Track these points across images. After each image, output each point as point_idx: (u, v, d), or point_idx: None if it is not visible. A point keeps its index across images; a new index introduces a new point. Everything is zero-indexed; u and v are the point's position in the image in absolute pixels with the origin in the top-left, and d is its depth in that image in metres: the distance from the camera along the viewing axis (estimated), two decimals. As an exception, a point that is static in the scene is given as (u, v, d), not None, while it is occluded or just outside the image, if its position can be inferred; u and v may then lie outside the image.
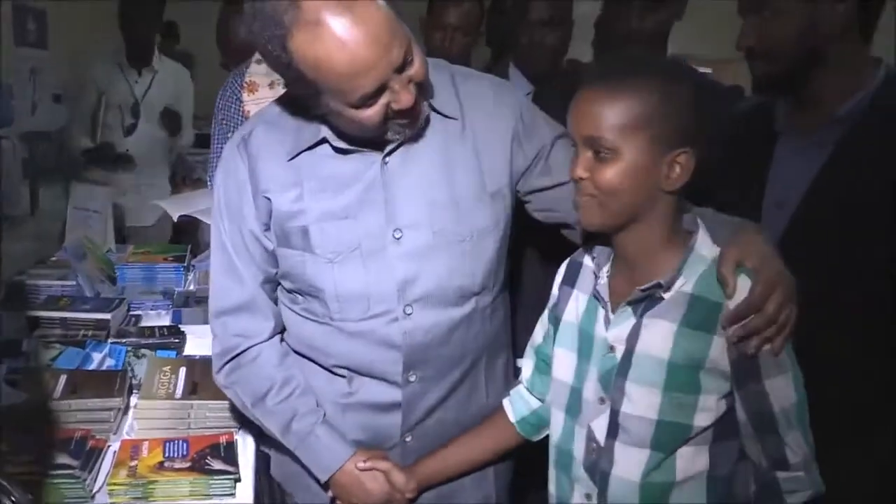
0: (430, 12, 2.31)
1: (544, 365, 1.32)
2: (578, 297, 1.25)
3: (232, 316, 1.35)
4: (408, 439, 1.36)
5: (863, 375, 1.26)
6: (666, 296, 1.12)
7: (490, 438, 1.38)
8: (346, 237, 1.26)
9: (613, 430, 1.15)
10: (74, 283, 2.21)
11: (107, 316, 1.96)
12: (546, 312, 1.33)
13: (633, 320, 1.14)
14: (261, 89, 1.95)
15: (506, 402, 1.38)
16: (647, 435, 1.13)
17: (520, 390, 1.38)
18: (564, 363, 1.24)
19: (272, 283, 1.36)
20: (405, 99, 1.14)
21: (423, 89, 1.20)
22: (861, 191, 1.26)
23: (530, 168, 1.35)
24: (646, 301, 1.13)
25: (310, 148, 1.27)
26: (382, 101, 1.14)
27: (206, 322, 1.98)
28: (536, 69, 2.08)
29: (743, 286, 1.07)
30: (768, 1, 1.25)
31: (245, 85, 1.96)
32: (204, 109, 8.29)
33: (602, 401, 1.17)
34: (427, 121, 1.26)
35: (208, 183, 2.10)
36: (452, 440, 1.36)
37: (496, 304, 1.38)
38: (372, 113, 1.15)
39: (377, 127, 1.18)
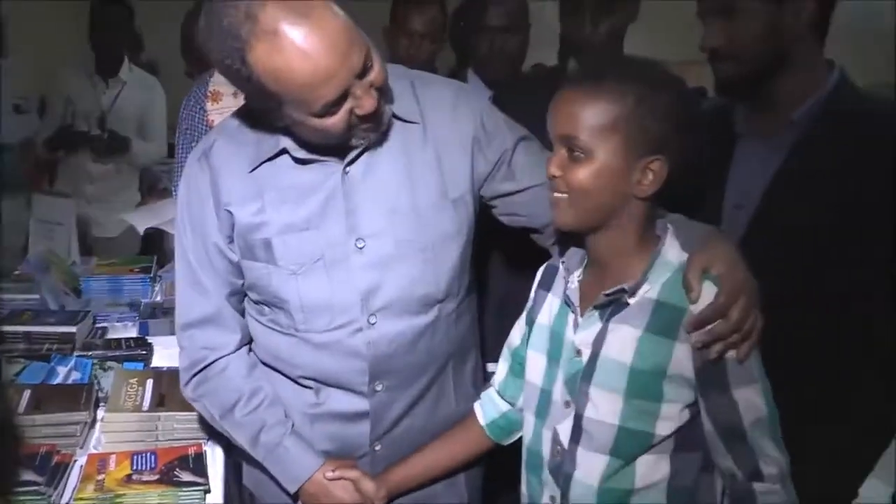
0: (394, 20, 2.32)
1: (519, 367, 1.32)
2: (552, 301, 1.25)
3: (198, 329, 1.35)
4: (377, 448, 1.36)
5: (821, 372, 1.29)
6: (631, 301, 1.12)
7: (460, 443, 1.38)
8: (308, 248, 1.26)
9: (577, 434, 1.16)
10: (38, 296, 2.18)
11: (72, 329, 1.93)
12: (524, 315, 1.34)
13: (599, 325, 1.15)
14: (225, 98, 1.94)
15: (476, 406, 1.38)
16: (608, 441, 1.13)
17: (490, 393, 1.38)
18: (536, 366, 1.25)
19: (238, 295, 1.36)
20: (368, 104, 1.15)
21: (384, 94, 1.21)
22: (816, 192, 1.28)
23: (492, 173, 1.35)
24: (612, 306, 1.14)
25: (270, 159, 1.26)
26: (345, 107, 1.14)
27: (173, 333, 1.97)
28: (495, 75, 2.10)
29: (708, 292, 1.08)
30: (734, 3, 1.28)
31: (209, 94, 1.95)
32: (169, 119, 8.28)
33: (567, 404, 1.18)
34: (389, 126, 1.26)
35: (173, 192, 2.08)
36: (422, 446, 1.36)
37: (461, 310, 1.38)
38: (336, 120, 1.15)
39: (341, 134, 1.18)
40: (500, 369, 1.37)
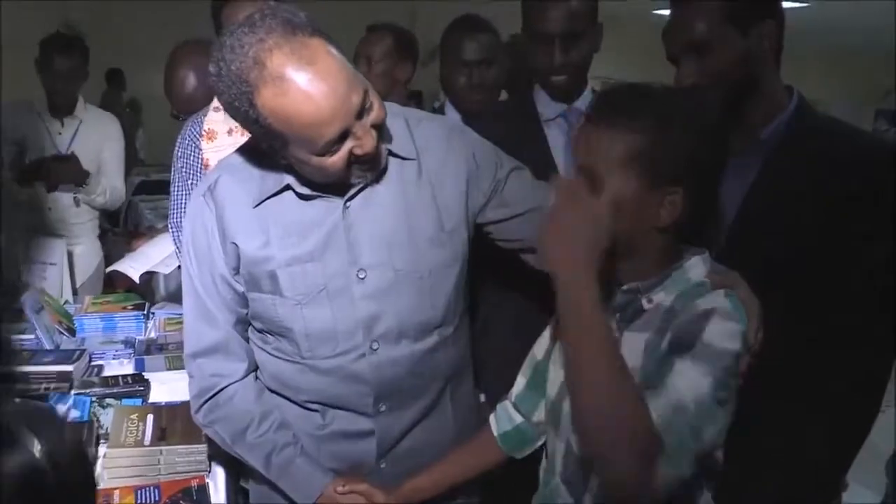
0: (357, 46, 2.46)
1: (538, 380, 1.35)
2: None
3: (207, 357, 1.39)
4: (383, 465, 1.41)
5: (796, 383, 1.34)
6: (647, 307, 1.15)
7: (472, 455, 1.42)
8: (312, 280, 1.31)
9: None
10: (33, 336, 2.19)
11: (69, 367, 1.94)
12: (547, 329, 1.36)
13: (615, 332, 1.17)
14: (220, 136, 1.98)
15: (491, 418, 1.42)
16: None
17: (505, 405, 1.41)
18: (554, 379, 1.28)
19: (244, 324, 1.40)
20: (368, 143, 1.21)
21: (382, 133, 1.26)
22: (787, 205, 1.36)
23: (487, 203, 1.42)
24: (629, 312, 1.16)
25: (274, 195, 1.32)
26: (346, 147, 1.20)
27: (169, 369, 2.02)
28: (472, 108, 2.17)
29: (722, 303, 1.09)
30: (705, 41, 1.35)
31: (204, 133, 1.98)
32: (153, 156, 8.27)
33: None
34: (386, 163, 1.32)
35: (170, 229, 2.11)
36: (436, 462, 1.40)
37: (458, 334, 1.44)
38: (336, 159, 1.21)
39: (341, 172, 1.24)
40: (518, 382, 1.40)
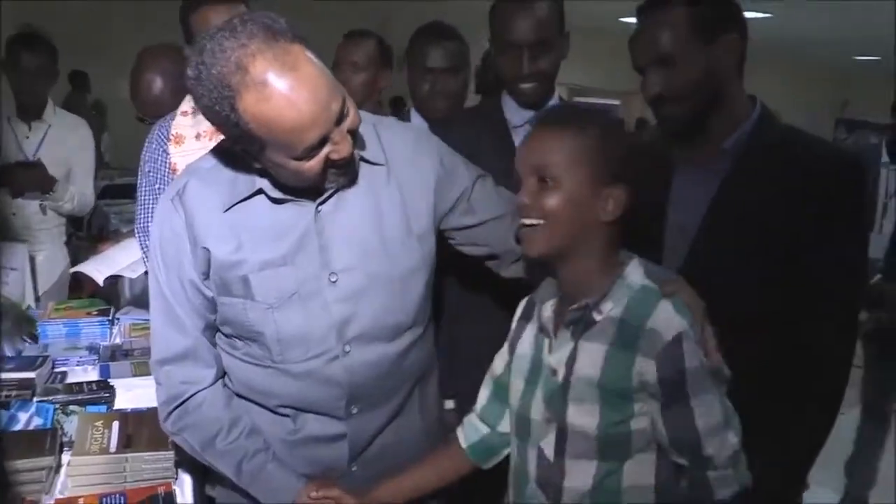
0: (338, 52, 2.45)
1: (503, 393, 1.40)
2: (531, 330, 1.35)
3: (175, 364, 1.38)
4: (354, 468, 1.42)
5: (760, 387, 1.37)
6: (598, 318, 1.22)
7: (442, 465, 1.45)
8: (284, 284, 1.32)
9: (561, 445, 1.25)
10: (-7, 343, 2.15)
11: (31, 374, 1.91)
12: (506, 345, 1.42)
13: (571, 344, 1.24)
14: (187, 141, 1.97)
15: (458, 431, 1.46)
16: (592, 449, 1.22)
17: (471, 418, 1.45)
18: (516, 391, 1.34)
19: (212, 329, 1.40)
20: (344, 149, 1.23)
21: (355, 138, 1.28)
22: (750, 213, 1.40)
23: (453, 209, 1.44)
24: (581, 324, 1.23)
25: (245, 199, 1.32)
26: (323, 152, 1.22)
27: (135, 375, 1.99)
28: (437, 115, 2.18)
29: (667, 311, 1.19)
30: (671, 53, 1.38)
31: (171, 137, 1.97)
32: (118, 160, 8.17)
33: (548, 420, 1.26)
34: (357, 169, 1.34)
35: (136, 234, 2.09)
36: (406, 469, 1.42)
37: (426, 336, 1.48)
38: (313, 164, 1.22)
39: (317, 177, 1.25)
40: (480, 396, 1.45)
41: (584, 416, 1.22)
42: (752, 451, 1.24)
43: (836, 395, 1.43)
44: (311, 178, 1.25)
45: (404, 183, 1.39)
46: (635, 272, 1.25)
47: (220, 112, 1.18)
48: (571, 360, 1.24)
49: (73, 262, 3.27)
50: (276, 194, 1.31)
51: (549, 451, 1.26)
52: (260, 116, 1.17)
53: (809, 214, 1.36)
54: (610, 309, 1.22)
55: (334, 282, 1.33)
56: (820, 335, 1.40)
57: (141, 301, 2.56)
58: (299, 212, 1.33)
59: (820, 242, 1.37)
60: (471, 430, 1.44)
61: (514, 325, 1.40)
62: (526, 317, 1.38)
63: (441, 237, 1.47)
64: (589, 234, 1.23)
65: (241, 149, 1.26)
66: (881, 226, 3.07)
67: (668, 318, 1.18)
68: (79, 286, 2.86)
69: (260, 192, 1.31)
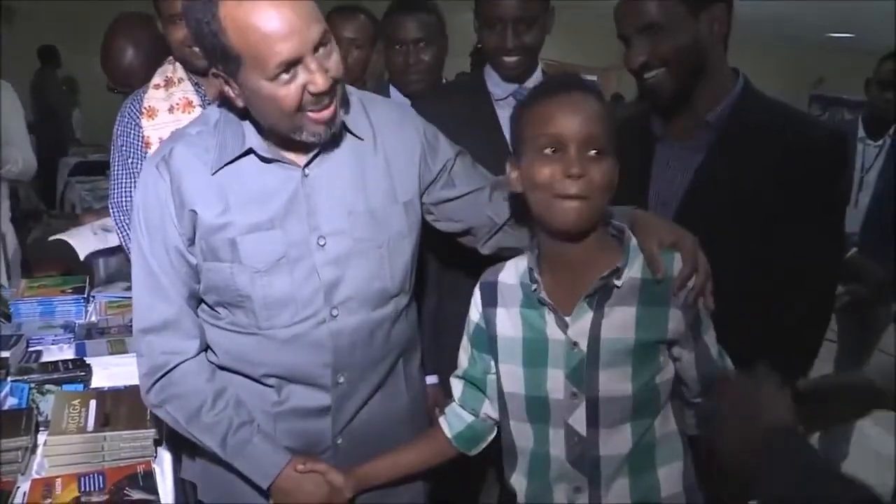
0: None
1: (478, 382, 1.37)
2: (509, 313, 1.30)
3: (157, 334, 1.35)
4: (339, 441, 1.41)
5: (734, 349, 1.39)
6: (619, 283, 1.21)
7: (426, 451, 1.43)
8: (272, 247, 1.31)
9: (594, 418, 1.22)
10: (-35, 322, 2.11)
11: (4, 354, 1.87)
12: (465, 339, 1.38)
13: (590, 314, 1.22)
14: (160, 114, 1.93)
15: (441, 421, 1.42)
16: (628, 411, 1.22)
17: (454, 408, 1.42)
18: (513, 377, 1.29)
19: (195, 299, 1.37)
20: (320, 81, 1.20)
21: (340, 94, 1.27)
22: (733, 186, 1.40)
23: (435, 181, 1.45)
24: (599, 295, 1.21)
25: (234, 160, 1.31)
26: (299, 80, 1.20)
27: (112, 353, 1.96)
28: (412, 88, 2.16)
29: (669, 260, 1.21)
30: (657, 20, 1.37)
31: (144, 110, 1.93)
32: (91, 136, 8.05)
33: (574, 395, 1.23)
34: (341, 134, 1.34)
35: (110, 208, 2.05)
36: (392, 451, 1.41)
37: (410, 306, 1.48)
38: (290, 90, 1.20)
39: (293, 110, 1.22)
40: (455, 386, 1.41)
41: (617, 382, 1.21)
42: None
43: (808, 362, 1.45)
44: (287, 109, 1.22)
45: (390, 153, 1.40)
46: (632, 236, 1.25)
47: (202, 20, 1.18)
48: (597, 328, 1.21)
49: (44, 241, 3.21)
50: (265, 153, 1.31)
51: (581, 426, 1.23)
52: (238, 20, 1.16)
53: (793, 186, 1.37)
54: (628, 275, 1.22)
55: (322, 245, 1.33)
56: (797, 306, 1.42)
57: (116, 278, 2.52)
58: (287, 175, 1.32)
59: (802, 215, 1.38)
60: (455, 420, 1.41)
61: (475, 315, 1.35)
62: (491, 302, 1.32)
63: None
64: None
65: (221, 69, 1.24)
66: (857, 200, 3.09)
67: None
68: (49, 263, 2.80)
69: (249, 152, 1.31)
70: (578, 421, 1.24)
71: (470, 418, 1.40)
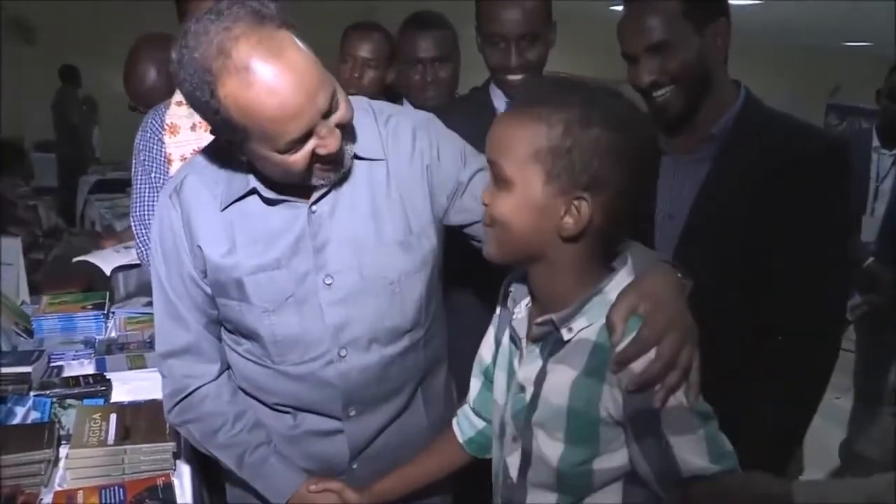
0: (342, 46, 2.38)
1: (490, 384, 1.29)
2: (506, 319, 1.25)
3: (178, 358, 1.38)
4: (354, 467, 1.41)
5: (747, 361, 1.39)
6: (568, 337, 1.06)
7: (440, 458, 1.40)
8: (279, 286, 1.29)
9: (524, 467, 1.15)
10: (-11, 338, 2.15)
11: (27, 369, 1.91)
12: (490, 331, 1.31)
13: (540, 362, 1.11)
14: (182, 131, 1.95)
15: (454, 423, 1.39)
16: (554, 479, 1.11)
17: (466, 410, 1.38)
18: (500, 388, 1.23)
19: (216, 324, 1.39)
20: (332, 144, 1.17)
21: (347, 132, 1.23)
22: (739, 197, 1.41)
23: (450, 207, 1.37)
24: (551, 343, 1.09)
25: (240, 199, 1.29)
26: (308, 146, 1.17)
27: (131, 368, 2.00)
28: (428, 104, 2.17)
29: (634, 327, 1.01)
30: (664, 40, 1.38)
31: (166, 127, 1.96)
32: (109, 154, 8.13)
33: (515, 438, 1.16)
34: (350, 165, 1.28)
35: (132, 223, 2.08)
36: (406, 462, 1.39)
37: (430, 335, 1.41)
38: (298, 158, 1.17)
39: (302, 172, 1.20)
40: (472, 386, 1.36)
41: (547, 445, 1.10)
42: (739, 429, 1.25)
43: (822, 375, 1.45)
44: (296, 172, 1.20)
45: (402, 178, 1.32)
46: (621, 285, 1.06)
47: (201, 98, 1.13)
48: (540, 381, 1.10)
49: (64, 258, 3.25)
50: (269, 194, 1.27)
51: (514, 472, 1.17)
52: (241, 104, 1.11)
53: (796, 197, 1.37)
54: (583, 328, 1.05)
55: (329, 284, 1.29)
56: (809, 317, 1.42)
57: (136, 293, 2.56)
58: (293, 213, 1.29)
59: (807, 224, 1.39)
60: (466, 425, 1.38)
61: (497, 310, 1.28)
62: (503, 303, 1.26)
63: (454, 232, 1.41)
64: (552, 247, 1.04)
65: (225, 139, 1.22)
66: (873, 209, 3.08)
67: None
68: (71, 281, 2.84)
69: (254, 191, 1.28)
70: (513, 464, 1.17)
71: (481, 424, 1.36)
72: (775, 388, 1.41)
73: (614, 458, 1.08)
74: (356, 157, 1.29)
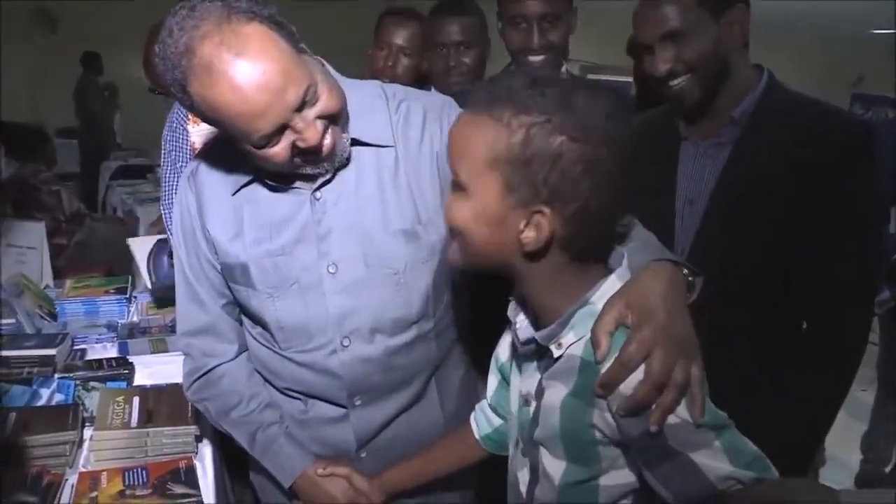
0: (376, 32, 2.37)
1: (507, 384, 1.23)
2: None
3: (196, 338, 1.40)
4: (363, 455, 1.40)
5: (768, 350, 1.37)
6: (557, 354, 0.99)
7: (456, 452, 1.37)
8: (284, 273, 1.29)
9: (532, 485, 1.11)
10: (14, 321, 2.18)
11: (52, 351, 1.94)
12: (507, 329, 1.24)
13: (538, 376, 1.04)
14: None
15: (471, 418, 1.36)
16: (559, 497, 1.06)
17: (483, 407, 1.33)
18: (514, 390, 1.16)
19: (234, 306, 1.40)
20: (311, 136, 1.15)
21: (338, 121, 1.21)
22: (761, 181, 1.40)
23: None
24: (546, 358, 1.02)
25: (247, 184, 1.30)
26: (286, 139, 1.15)
27: (153, 352, 2.02)
28: (453, 90, 2.16)
29: (619, 343, 0.92)
30: (681, 29, 1.36)
31: (190, 117, 1.98)
32: (131, 141, 8.20)
33: (524, 453, 1.11)
34: (348, 153, 1.25)
35: (162, 211, 2.11)
36: (421, 452, 1.37)
37: (442, 326, 1.38)
38: (278, 150, 1.16)
39: (286, 163, 1.19)
40: (490, 383, 1.30)
41: (551, 463, 1.04)
42: (764, 420, 1.23)
43: (849, 369, 1.42)
44: (281, 164, 1.18)
45: (412, 165, 1.29)
46: (609, 292, 0.97)
47: (177, 93, 1.14)
48: (539, 395, 1.03)
49: (87, 243, 3.29)
50: (272, 181, 1.27)
51: (523, 487, 1.12)
52: (207, 102, 1.11)
53: (820, 183, 1.35)
54: (571, 343, 0.97)
55: (333, 273, 1.28)
56: (834, 309, 1.40)
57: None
58: (299, 200, 1.27)
59: (830, 212, 1.37)
60: (483, 421, 1.33)
61: (510, 307, 1.14)
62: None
63: None
64: (517, 259, 0.96)
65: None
66: (902, 201, 3.04)
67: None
68: (90, 266, 2.87)
69: (257, 179, 1.28)
70: (523, 480, 1.12)
71: (498, 421, 1.31)
72: (800, 381, 1.40)
73: (621, 476, 1.01)
74: (361, 143, 1.26)
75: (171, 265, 2.26)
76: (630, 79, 2.73)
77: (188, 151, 2.00)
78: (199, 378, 1.41)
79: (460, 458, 1.37)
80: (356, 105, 1.25)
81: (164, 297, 2.28)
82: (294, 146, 1.16)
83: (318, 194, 1.27)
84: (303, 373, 1.35)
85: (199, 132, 1.97)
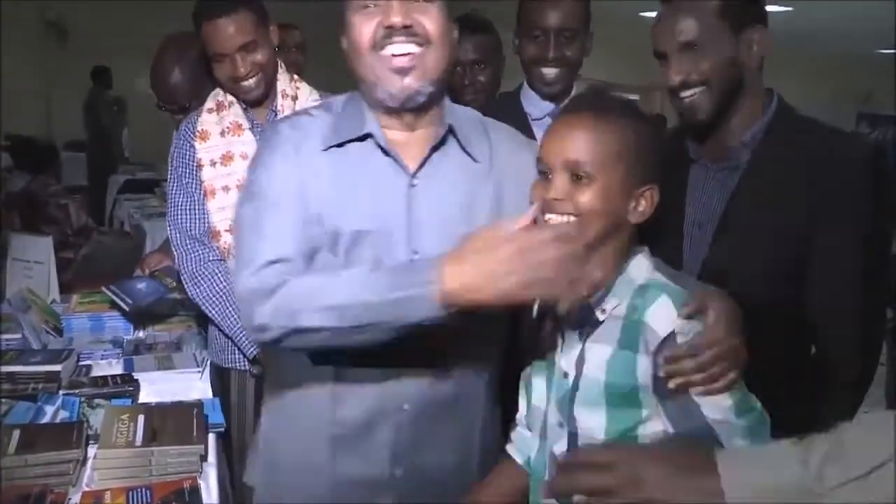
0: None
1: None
2: (549, 328, 1.29)
3: (270, 267, 1.25)
4: (397, 472, 1.35)
5: (780, 370, 1.36)
6: (602, 318, 1.19)
7: (507, 488, 1.35)
8: (366, 250, 1.28)
9: (573, 448, 1.20)
10: (20, 336, 2.17)
11: (57, 367, 1.93)
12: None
13: (579, 346, 1.21)
14: (212, 137, 2.00)
15: (509, 448, 1.38)
16: None
17: (519, 432, 1.38)
18: (538, 389, 1.30)
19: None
20: (394, 15, 1.23)
21: (429, 61, 1.27)
22: (770, 205, 1.39)
23: None
24: (587, 325, 1.20)
25: (344, 145, 1.31)
26: (376, 15, 1.25)
27: (159, 369, 2.00)
28: (470, 106, 2.17)
29: (669, 307, 1.15)
30: (700, 40, 1.37)
31: (197, 133, 2.00)
32: (139, 154, 8.24)
33: (560, 424, 1.23)
34: (456, 152, 1.33)
35: (168, 228, 2.10)
36: (471, 496, 1.34)
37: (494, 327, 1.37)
38: (363, 24, 1.26)
39: (369, 49, 1.26)
40: (521, 405, 1.37)
41: (592, 420, 1.19)
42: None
43: (858, 391, 1.43)
44: (365, 43, 1.26)
45: (505, 186, 1.34)
46: (640, 266, 1.22)
47: None
48: (580, 363, 1.21)
49: (94, 257, 3.30)
50: (382, 142, 1.29)
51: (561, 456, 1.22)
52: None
53: (829, 206, 1.35)
54: (614, 307, 1.19)
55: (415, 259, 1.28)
56: (843, 332, 1.40)
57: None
58: (395, 180, 1.30)
59: (842, 235, 1.36)
60: (522, 444, 1.37)
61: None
62: (546, 314, 1.29)
63: None
64: (614, 234, 1.19)
65: None
66: (911, 221, 3.03)
67: (664, 314, 1.14)
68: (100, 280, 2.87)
69: (366, 137, 1.30)
70: (560, 450, 1.22)
71: (536, 442, 1.31)
72: (808, 405, 1.39)
73: (658, 425, 1.18)
74: (462, 149, 1.34)
75: (143, 286, 2.27)
76: (635, 96, 2.75)
77: (195, 168, 2.01)
78: (272, 295, 1.22)
79: (513, 492, 1.35)
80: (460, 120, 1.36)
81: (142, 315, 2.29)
82: (378, 26, 1.25)
83: (414, 179, 1.31)
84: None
85: (206, 149, 1.98)
